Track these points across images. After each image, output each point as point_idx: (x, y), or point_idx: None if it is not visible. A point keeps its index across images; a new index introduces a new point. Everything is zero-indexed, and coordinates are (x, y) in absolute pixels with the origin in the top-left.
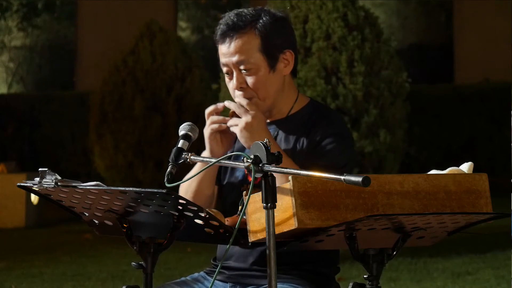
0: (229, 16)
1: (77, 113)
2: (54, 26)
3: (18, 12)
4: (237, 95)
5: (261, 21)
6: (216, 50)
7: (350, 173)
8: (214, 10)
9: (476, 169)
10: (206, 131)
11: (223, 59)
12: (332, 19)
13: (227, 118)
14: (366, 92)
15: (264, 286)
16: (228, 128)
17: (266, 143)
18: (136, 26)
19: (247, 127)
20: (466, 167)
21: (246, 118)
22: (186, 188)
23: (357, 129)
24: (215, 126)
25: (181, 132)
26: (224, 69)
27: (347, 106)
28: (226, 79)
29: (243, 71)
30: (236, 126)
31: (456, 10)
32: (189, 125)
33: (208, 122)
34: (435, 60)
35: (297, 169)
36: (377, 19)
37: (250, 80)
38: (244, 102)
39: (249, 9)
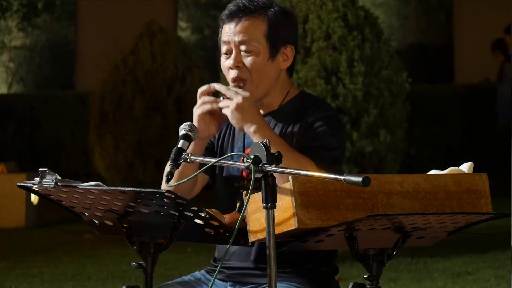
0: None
1: (77, 113)
2: (54, 26)
3: (18, 12)
4: (231, 73)
5: (272, 9)
6: (216, 49)
7: (342, 156)
8: (214, 10)
9: (476, 169)
10: (197, 111)
11: (225, 37)
12: (332, 19)
13: (219, 100)
14: (366, 92)
15: (264, 285)
16: (218, 111)
17: (266, 143)
18: (136, 26)
19: (238, 108)
20: (466, 167)
21: (237, 99)
22: (177, 175)
23: (357, 129)
24: (207, 106)
25: (181, 132)
26: (224, 48)
27: (347, 106)
28: (222, 59)
29: (243, 52)
30: (227, 107)
31: (456, 10)
32: (189, 125)
33: (199, 101)
34: (435, 60)
35: (296, 168)
36: (377, 19)
37: (248, 60)
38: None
39: None
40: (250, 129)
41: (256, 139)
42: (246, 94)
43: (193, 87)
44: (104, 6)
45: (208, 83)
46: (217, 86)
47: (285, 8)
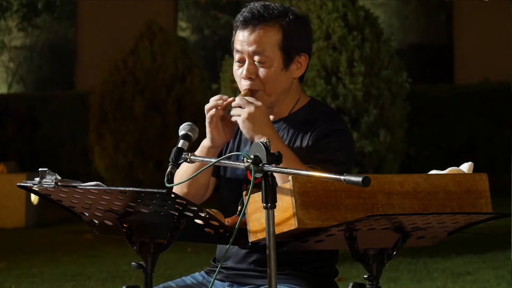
0: (256, 5)
1: (77, 113)
2: (54, 26)
3: (18, 12)
4: (244, 84)
5: (287, 18)
6: (215, 50)
7: (348, 170)
8: (214, 10)
9: (476, 169)
10: (207, 122)
11: (238, 46)
12: (332, 19)
13: (224, 98)
14: (366, 92)
15: (263, 286)
16: (229, 117)
17: (266, 143)
18: (136, 26)
19: (250, 117)
20: (466, 167)
21: (249, 109)
22: (181, 175)
23: (357, 129)
24: (215, 114)
25: (181, 132)
26: (237, 56)
27: (347, 106)
28: (235, 66)
29: (257, 62)
30: (239, 116)
31: (456, 10)
32: (189, 125)
33: (206, 113)
34: (435, 60)
35: (297, 168)
36: (377, 19)
37: (261, 72)
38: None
39: (276, 4)
40: (261, 140)
41: None
42: (258, 103)
43: (193, 87)
44: (104, 6)
45: (208, 83)
46: (225, 97)
47: (300, 15)
